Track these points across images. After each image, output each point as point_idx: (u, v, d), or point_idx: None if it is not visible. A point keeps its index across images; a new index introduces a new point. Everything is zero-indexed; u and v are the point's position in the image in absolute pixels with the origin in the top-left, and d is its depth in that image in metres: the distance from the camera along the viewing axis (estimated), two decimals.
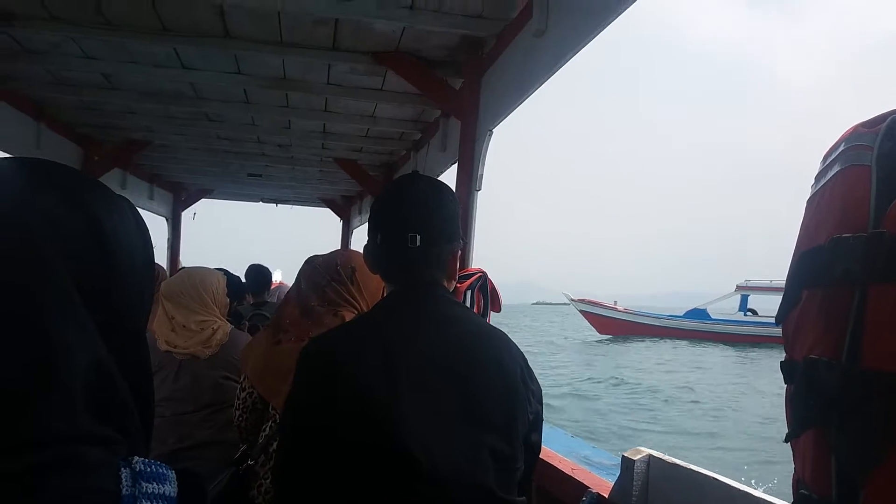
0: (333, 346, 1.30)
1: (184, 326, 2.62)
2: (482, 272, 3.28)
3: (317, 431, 1.20)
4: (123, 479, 0.58)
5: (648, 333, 36.76)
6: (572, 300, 38.80)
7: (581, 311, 38.95)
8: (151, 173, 8.21)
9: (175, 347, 2.58)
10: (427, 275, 1.39)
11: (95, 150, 6.36)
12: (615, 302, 39.78)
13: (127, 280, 0.66)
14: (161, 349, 2.56)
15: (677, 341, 34.90)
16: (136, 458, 0.61)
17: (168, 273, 8.87)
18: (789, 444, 0.89)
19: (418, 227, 1.36)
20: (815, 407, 0.80)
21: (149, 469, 0.60)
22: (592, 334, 39.57)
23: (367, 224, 1.47)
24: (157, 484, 0.60)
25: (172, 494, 0.61)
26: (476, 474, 1.23)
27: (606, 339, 37.01)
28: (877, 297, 0.73)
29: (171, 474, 0.62)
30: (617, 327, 37.72)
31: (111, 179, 6.86)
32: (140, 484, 0.58)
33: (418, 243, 1.35)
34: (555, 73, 2.65)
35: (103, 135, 6.16)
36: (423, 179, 1.46)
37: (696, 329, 35.95)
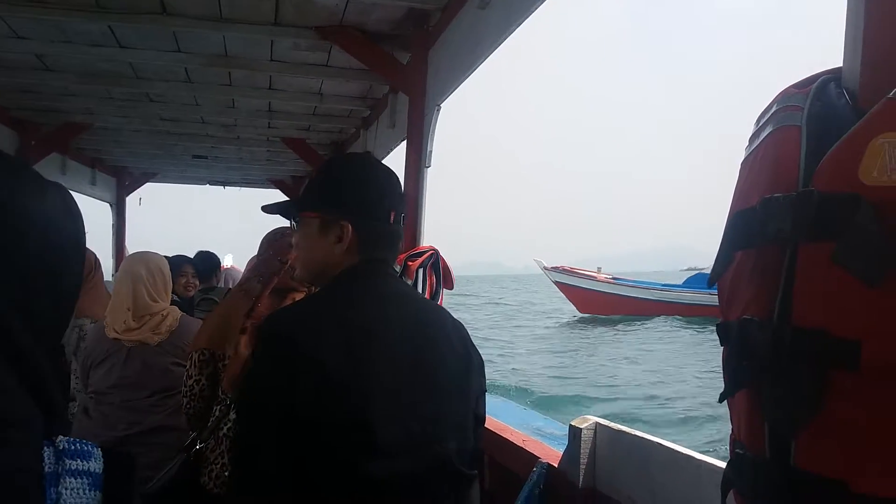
0: (292, 325, 1.28)
1: (137, 313, 2.58)
2: (434, 250, 3.28)
3: (277, 410, 1.19)
4: (46, 458, 0.58)
5: (639, 312, 26.84)
6: (545, 269, 29.42)
7: (556, 283, 29.49)
8: (93, 157, 7.96)
9: (123, 333, 2.53)
10: (384, 254, 1.40)
11: (32, 134, 6.12)
12: (598, 269, 29.84)
13: (39, 260, 0.64)
14: (109, 336, 2.52)
15: (676, 321, 24.80)
16: (60, 437, 0.61)
17: (114, 261, 8.69)
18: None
19: (396, 203, 1.38)
20: (747, 367, 0.81)
21: (73, 447, 0.60)
22: (570, 314, 30.80)
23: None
24: (82, 461, 0.60)
25: (98, 471, 0.61)
26: (434, 447, 1.26)
27: (585, 321, 28.00)
28: (805, 255, 0.74)
29: (97, 451, 0.62)
30: (600, 303, 28.30)
31: (50, 164, 6.62)
32: (63, 461, 0.59)
33: (392, 220, 1.37)
34: (500, 45, 2.64)
35: (40, 118, 5.94)
36: (376, 159, 1.49)
37: (700, 303, 24.61)
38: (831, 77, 0.87)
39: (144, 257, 2.73)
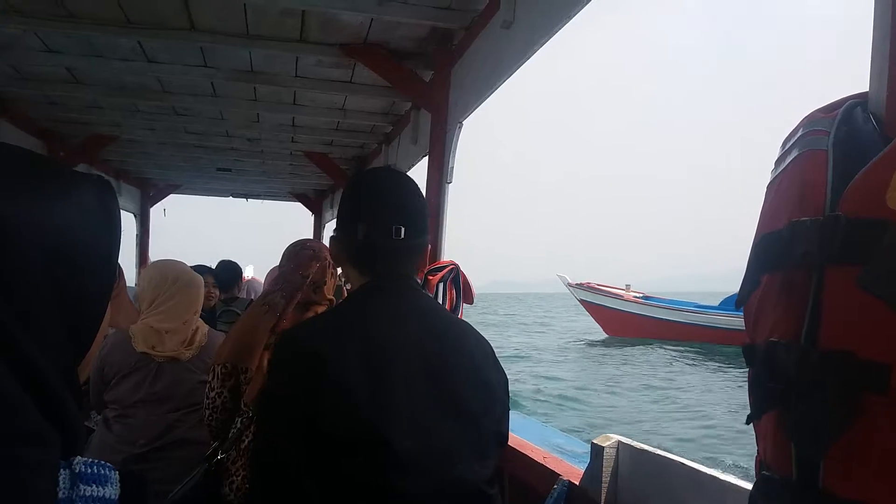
0: (312, 338, 1.28)
1: (168, 327, 2.53)
2: (454, 265, 3.29)
3: (297, 423, 1.20)
4: (61, 482, 0.55)
5: (672, 336, 23.61)
6: (570, 285, 26.88)
7: (581, 302, 27.11)
8: (118, 169, 8.08)
9: (153, 348, 2.49)
10: (405, 267, 1.39)
11: (59, 145, 6.24)
12: (627, 286, 26.91)
13: (47, 272, 0.59)
14: (138, 349, 2.47)
15: (712, 351, 21.16)
16: (78, 458, 0.58)
17: (137, 270, 8.81)
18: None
19: (404, 218, 1.36)
20: (774, 389, 0.81)
21: (89, 470, 0.57)
22: (594, 335, 27.88)
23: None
24: (97, 486, 0.57)
25: (113, 497, 0.58)
26: (453, 465, 1.25)
27: (609, 344, 25.10)
28: (832, 279, 0.75)
29: (114, 475, 0.59)
30: (628, 325, 25.43)
31: None
32: (78, 486, 0.56)
33: (402, 236, 1.35)
34: (523, 64, 2.66)
35: (68, 130, 6.05)
36: (398, 173, 1.47)
37: (736, 328, 18.36)
38: (857, 102, 0.88)
39: (179, 268, 2.68)
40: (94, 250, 0.64)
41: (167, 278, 2.60)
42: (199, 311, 2.73)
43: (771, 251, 0.84)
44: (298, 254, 2.35)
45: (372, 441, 1.19)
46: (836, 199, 0.77)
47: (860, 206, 0.73)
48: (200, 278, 2.73)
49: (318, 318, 1.86)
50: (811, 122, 0.89)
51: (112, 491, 0.58)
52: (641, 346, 22.83)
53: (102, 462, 0.59)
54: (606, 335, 26.63)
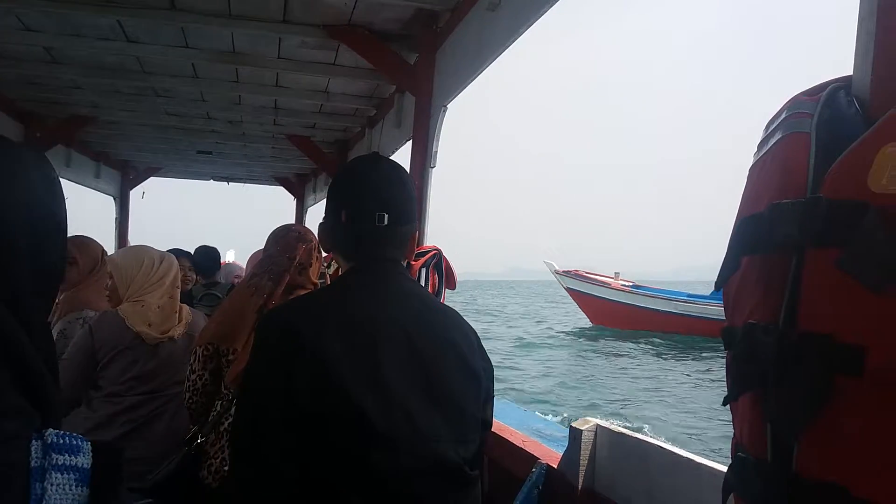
0: (292, 315, 1.30)
1: (159, 307, 2.59)
2: (437, 250, 3.29)
3: (278, 401, 1.21)
4: (33, 452, 0.57)
5: (661, 328, 22.35)
6: (556, 272, 25.61)
7: (568, 290, 25.85)
8: (98, 151, 7.96)
9: (150, 326, 2.52)
10: (390, 253, 1.41)
11: (37, 126, 6.13)
12: (616, 274, 25.65)
13: (19, 238, 0.62)
14: (135, 329, 2.49)
15: (705, 344, 20.06)
16: (50, 430, 0.59)
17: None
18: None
19: (386, 206, 1.38)
20: (752, 371, 0.81)
21: (61, 441, 0.59)
22: (579, 325, 26.86)
23: (324, 202, 1.49)
24: (70, 455, 0.59)
25: (86, 466, 0.60)
26: (433, 445, 1.26)
27: (596, 335, 23.75)
28: (812, 261, 0.74)
29: (86, 445, 0.61)
30: (615, 315, 24.06)
31: (55, 157, 6.62)
32: (51, 456, 0.57)
33: (386, 222, 1.37)
34: (509, 47, 2.64)
35: (46, 110, 5.94)
36: (386, 160, 1.50)
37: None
38: (841, 85, 0.88)
39: (155, 250, 2.72)
40: (50, 221, 0.66)
41: (153, 259, 2.65)
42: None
43: (751, 233, 0.84)
44: (285, 237, 2.37)
45: (350, 417, 1.19)
46: (817, 182, 0.77)
47: (841, 188, 0.73)
48: (175, 262, 2.77)
49: (300, 297, 1.88)
50: (794, 104, 0.88)
51: (84, 460, 0.60)
52: (618, 340, 21.93)
53: (74, 434, 0.61)
54: (592, 324, 25.83)
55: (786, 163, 0.83)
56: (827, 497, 0.71)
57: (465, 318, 1.47)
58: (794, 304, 0.76)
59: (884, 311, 0.67)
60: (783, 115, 0.89)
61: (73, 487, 0.58)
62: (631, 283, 25.02)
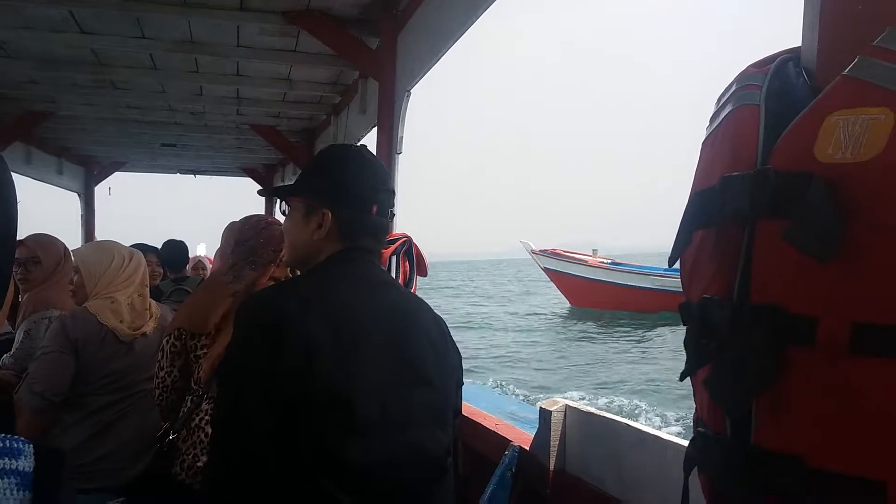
0: (276, 298, 1.30)
1: (130, 304, 2.53)
2: (407, 237, 3.27)
3: (260, 384, 1.20)
4: None
5: (641, 306, 20.84)
6: (533, 252, 23.88)
7: (545, 270, 24.06)
8: (59, 147, 7.77)
9: (122, 322, 2.47)
10: (370, 243, 1.42)
11: None
12: (594, 252, 24.01)
13: None
14: (108, 325, 2.44)
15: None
16: None
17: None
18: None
19: (376, 197, 1.40)
20: (707, 345, 0.81)
21: (2, 444, 0.58)
22: (558, 308, 25.14)
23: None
24: (10, 459, 0.57)
25: (27, 469, 0.58)
26: (413, 432, 1.27)
27: (575, 320, 21.89)
28: (762, 233, 0.74)
29: (28, 448, 0.59)
30: (594, 294, 22.32)
31: (13, 155, 6.47)
32: None
33: (374, 212, 1.39)
34: (468, 29, 2.62)
35: (1, 107, 5.77)
36: (369, 152, 1.49)
37: None
38: (790, 56, 0.88)
39: (120, 245, 2.67)
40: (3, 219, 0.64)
41: (123, 256, 2.60)
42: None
43: (704, 208, 0.84)
44: (267, 228, 2.34)
45: (332, 403, 1.19)
46: (767, 154, 0.77)
47: (789, 159, 0.73)
48: (141, 256, 2.71)
49: (282, 283, 1.87)
50: (744, 77, 0.88)
51: (25, 463, 0.59)
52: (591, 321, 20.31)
53: (16, 437, 0.60)
54: (571, 306, 23.97)
55: (736, 135, 0.83)
56: (784, 468, 0.71)
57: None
58: (746, 277, 0.76)
59: (831, 280, 0.67)
60: (733, 88, 0.88)
61: (15, 492, 0.57)
62: (609, 260, 23.67)
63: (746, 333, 0.74)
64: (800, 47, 0.88)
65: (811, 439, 0.69)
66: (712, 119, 0.92)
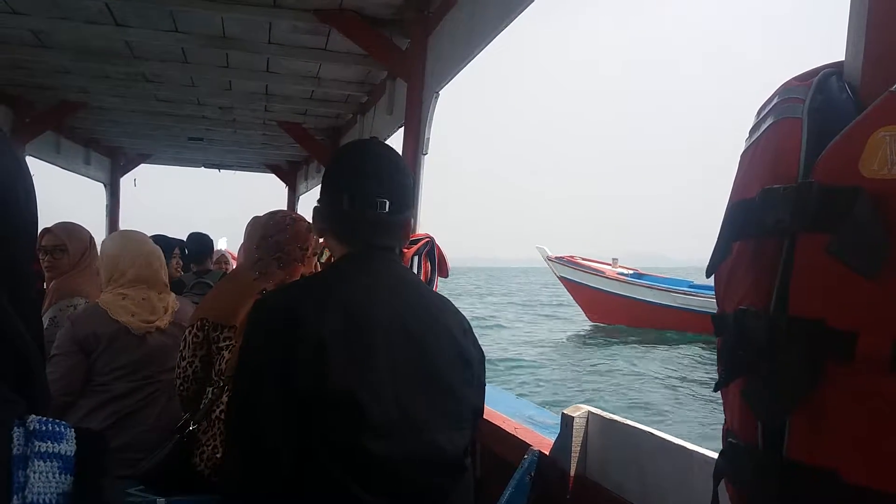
0: (289, 298, 1.31)
1: (144, 298, 2.57)
2: (430, 237, 3.28)
3: (275, 382, 1.21)
4: (15, 439, 0.55)
5: (665, 325, 18.65)
6: (549, 259, 22.08)
7: (561, 280, 22.13)
8: (88, 137, 7.87)
9: (138, 317, 2.51)
10: (387, 240, 1.41)
11: (26, 111, 6.04)
12: (614, 260, 22.16)
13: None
14: (119, 321, 2.48)
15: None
16: (33, 416, 0.58)
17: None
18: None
19: (388, 192, 1.38)
20: (742, 357, 0.81)
21: (44, 427, 0.58)
22: (576, 323, 22.66)
23: (316, 190, 1.48)
24: (53, 443, 0.58)
25: (69, 453, 0.59)
26: (428, 433, 1.27)
27: (592, 341, 19.28)
28: (804, 246, 0.74)
29: (70, 432, 0.60)
30: (612, 310, 20.35)
31: (44, 143, 6.58)
32: (33, 443, 0.56)
33: (386, 209, 1.37)
34: (501, 32, 2.62)
35: (34, 95, 5.85)
36: (386, 146, 1.49)
37: None
38: (833, 70, 0.87)
39: (142, 238, 2.69)
40: (21, 198, 0.65)
41: (143, 247, 2.63)
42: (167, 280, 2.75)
43: (743, 219, 0.84)
44: (293, 226, 2.36)
45: (346, 402, 1.20)
46: (809, 168, 0.77)
47: (833, 173, 0.73)
48: (159, 249, 2.75)
49: (296, 282, 1.88)
50: (786, 90, 0.88)
51: (68, 447, 0.59)
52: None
53: (57, 420, 0.60)
54: (590, 324, 21.68)
55: (777, 148, 0.83)
56: (818, 482, 0.71)
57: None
58: (784, 290, 0.76)
59: (874, 296, 0.67)
60: (775, 101, 0.88)
61: (57, 475, 0.57)
62: (632, 272, 21.69)
63: (784, 346, 0.74)
64: (843, 62, 0.88)
65: (848, 455, 0.69)
66: (752, 131, 0.92)
